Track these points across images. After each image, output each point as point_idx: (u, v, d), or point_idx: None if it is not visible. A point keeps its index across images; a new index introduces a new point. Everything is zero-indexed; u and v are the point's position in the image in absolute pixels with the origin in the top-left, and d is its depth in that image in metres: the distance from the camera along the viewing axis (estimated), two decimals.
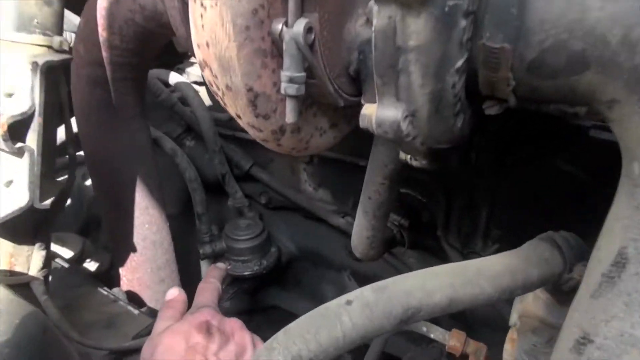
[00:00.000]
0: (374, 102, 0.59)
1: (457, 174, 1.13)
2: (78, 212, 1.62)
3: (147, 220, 1.18)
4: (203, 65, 0.62)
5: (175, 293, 0.94)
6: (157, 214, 1.20)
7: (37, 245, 0.80)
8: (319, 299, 1.58)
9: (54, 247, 1.38)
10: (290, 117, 0.59)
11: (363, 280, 1.45)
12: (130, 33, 0.88)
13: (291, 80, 0.57)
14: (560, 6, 0.45)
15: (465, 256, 1.21)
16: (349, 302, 0.63)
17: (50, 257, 0.85)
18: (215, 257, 1.40)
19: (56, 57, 0.71)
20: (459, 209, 1.18)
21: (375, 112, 0.52)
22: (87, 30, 0.92)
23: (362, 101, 0.65)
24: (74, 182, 0.87)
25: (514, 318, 0.89)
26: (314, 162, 1.38)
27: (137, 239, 1.18)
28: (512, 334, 0.88)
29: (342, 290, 1.52)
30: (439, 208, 1.20)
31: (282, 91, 0.58)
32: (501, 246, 1.18)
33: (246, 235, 1.37)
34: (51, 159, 0.77)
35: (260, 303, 1.68)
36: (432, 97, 0.50)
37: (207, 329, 0.82)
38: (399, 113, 0.51)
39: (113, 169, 1.09)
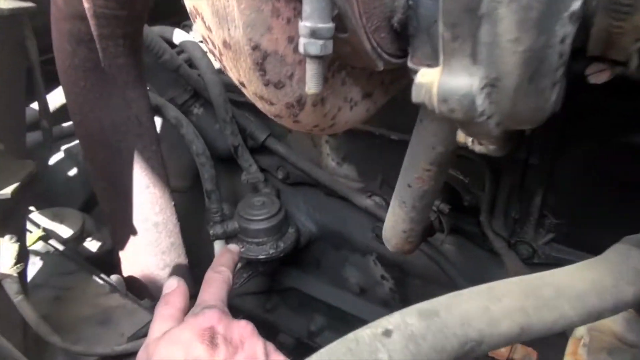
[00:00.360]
0: (430, 64, 0.42)
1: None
2: (84, 183, 1.50)
3: (148, 199, 1.04)
4: (193, 13, 0.45)
5: (173, 285, 0.80)
6: (160, 193, 1.06)
7: (6, 238, 0.66)
8: (340, 283, 1.45)
9: (51, 225, 1.26)
10: (311, 85, 0.43)
11: (391, 265, 1.30)
12: None
13: (314, 34, 0.40)
14: None
15: (512, 246, 1.05)
16: (387, 333, 0.48)
17: (24, 252, 0.71)
18: (226, 239, 1.27)
19: (8, 4, 0.55)
20: (507, 191, 1.01)
21: (439, 81, 0.35)
22: None
23: (410, 64, 0.48)
24: (49, 161, 0.72)
25: (580, 330, 0.73)
26: (339, 134, 1.21)
27: (137, 220, 1.04)
28: (574, 348, 0.72)
29: (366, 275, 1.37)
30: (484, 190, 1.02)
31: (301, 50, 0.41)
32: (556, 236, 1.01)
33: (261, 215, 1.23)
34: (14, 134, 0.62)
35: (277, 284, 1.56)
36: (528, 57, 0.33)
37: (211, 338, 0.68)
38: (475, 82, 0.34)
39: (106, 142, 0.94)
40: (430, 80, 0.37)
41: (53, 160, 1.84)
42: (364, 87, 0.57)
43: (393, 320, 0.49)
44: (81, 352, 0.75)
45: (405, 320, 0.48)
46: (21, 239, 0.69)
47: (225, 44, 0.43)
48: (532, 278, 0.53)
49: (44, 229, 1.17)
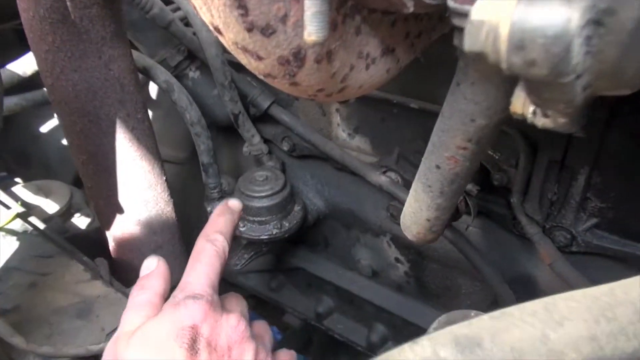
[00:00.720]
0: None
1: None
2: None
3: (134, 174, 0.92)
4: None
5: (152, 265, 0.69)
6: (148, 166, 0.94)
7: None
8: (350, 265, 1.34)
9: (35, 200, 1.15)
10: (312, 30, 0.30)
11: (407, 248, 1.18)
12: None
13: None
14: None
15: (547, 231, 0.92)
16: None
17: None
18: None
19: None
20: (545, 169, 0.88)
21: (513, 16, 0.22)
22: None
23: (452, 2, 0.34)
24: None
25: None
26: (350, 101, 1.08)
27: (123, 197, 0.93)
28: None
29: (379, 257, 1.26)
30: (516, 167, 0.89)
31: None
32: (600, 222, 0.88)
33: (264, 191, 1.11)
34: None
35: (283, 264, 1.45)
36: None
37: (192, 342, 0.57)
38: (575, 16, 0.21)
39: (83, 109, 0.82)
40: (495, 17, 0.23)
41: (46, 128, 1.74)
42: (384, 40, 0.44)
43: (421, 351, 0.37)
44: (49, 354, 0.65)
45: (438, 354, 0.36)
46: None
47: None
48: (600, 293, 0.41)
49: (24, 204, 1.06)
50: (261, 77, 0.38)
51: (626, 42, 0.23)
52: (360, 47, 0.41)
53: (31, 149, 1.71)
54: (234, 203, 0.78)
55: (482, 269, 0.95)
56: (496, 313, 0.40)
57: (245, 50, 0.34)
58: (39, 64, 0.80)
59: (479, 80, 0.41)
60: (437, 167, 0.54)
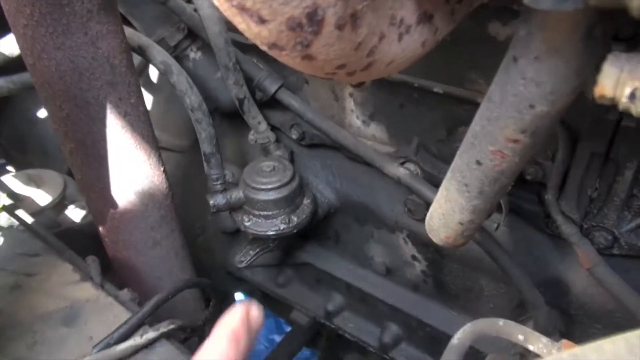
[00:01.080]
0: None
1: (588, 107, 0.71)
2: None
3: (128, 164, 0.84)
4: None
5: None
6: (144, 155, 0.85)
7: None
8: (363, 262, 1.25)
9: (25, 190, 1.07)
10: None
11: (425, 245, 1.09)
12: None
13: None
14: None
15: (585, 231, 0.82)
16: None
17: None
18: (230, 210, 1.07)
19: None
20: (586, 162, 0.78)
21: None
22: None
23: None
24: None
25: None
26: (366, 85, 0.98)
27: (116, 190, 0.85)
28: None
29: (394, 254, 1.17)
30: (553, 159, 0.79)
31: None
32: None
33: (271, 183, 1.02)
34: None
35: (291, 259, 1.37)
36: None
37: None
38: None
39: (68, 92, 0.73)
40: None
41: (43, 112, 1.66)
42: (421, 4, 0.34)
43: None
44: None
45: None
46: None
47: None
48: None
49: (13, 196, 0.98)
50: (264, 47, 0.29)
51: None
52: (393, 10, 0.32)
53: (28, 135, 1.64)
54: (252, 309, 0.45)
55: (511, 271, 0.86)
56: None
57: (242, 9, 0.25)
58: (18, 41, 0.71)
59: (547, 54, 0.32)
60: (478, 163, 0.45)
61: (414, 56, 0.37)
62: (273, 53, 0.30)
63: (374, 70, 0.34)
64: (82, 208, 1.13)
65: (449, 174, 0.51)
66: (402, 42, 0.34)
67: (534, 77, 0.34)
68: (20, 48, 0.72)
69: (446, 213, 0.54)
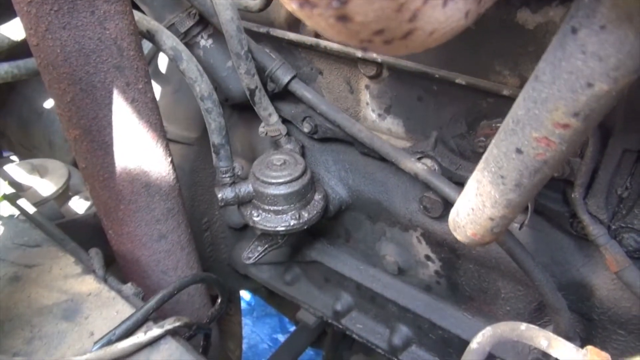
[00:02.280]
0: None
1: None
2: None
3: (134, 153, 0.80)
4: None
5: None
6: (151, 145, 0.82)
7: None
8: (374, 261, 1.21)
9: (31, 180, 1.04)
10: None
11: (439, 245, 1.05)
12: None
13: None
14: None
15: (613, 232, 0.78)
16: None
17: None
18: (239, 205, 1.03)
19: None
20: (617, 159, 0.74)
21: None
22: None
23: None
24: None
25: None
26: (383, 76, 0.94)
27: (121, 180, 0.81)
28: None
29: (407, 253, 1.13)
30: (581, 156, 0.75)
31: None
32: None
33: (281, 177, 0.98)
34: None
35: (299, 256, 1.33)
36: None
37: None
38: None
39: (74, 75, 0.70)
40: None
41: (50, 103, 1.63)
42: None
43: None
44: None
45: None
46: None
47: None
48: None
49: (15, 185, 0.95)
50: (294, 5, 0.25)
51: None
52: None
53: (34, 126, 1.61)
54: None
55: (533, 273, 0.82)
56: None
57: None
58: (22, 20, 0.68)
59: (616, 22, 0.28)
60: (518, 151, 0.41)
61: (457, 27, 0.33)
62: (304, 13, 0.26)
63: (413, 40, 0.30)
64: (87, 199, 1.10)
65: (481, 165, 0.47)
66: (447, 9, 0.31)
67: (597, 50, 0.30)
68: (24, 28, 0.69)
69: (476, 207, 0.50)
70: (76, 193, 1.10)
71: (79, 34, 0.67)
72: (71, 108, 0.73)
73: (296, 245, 1.31)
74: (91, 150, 0.78)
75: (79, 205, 1.08)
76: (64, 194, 1.07)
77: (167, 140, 0.87)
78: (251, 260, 1.09)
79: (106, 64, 0.71)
